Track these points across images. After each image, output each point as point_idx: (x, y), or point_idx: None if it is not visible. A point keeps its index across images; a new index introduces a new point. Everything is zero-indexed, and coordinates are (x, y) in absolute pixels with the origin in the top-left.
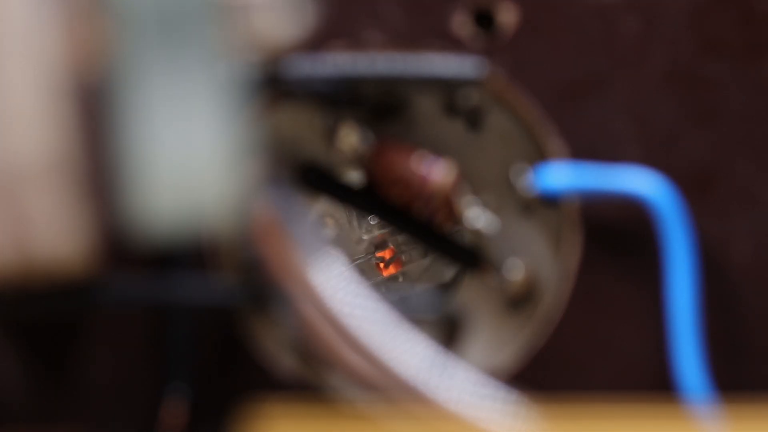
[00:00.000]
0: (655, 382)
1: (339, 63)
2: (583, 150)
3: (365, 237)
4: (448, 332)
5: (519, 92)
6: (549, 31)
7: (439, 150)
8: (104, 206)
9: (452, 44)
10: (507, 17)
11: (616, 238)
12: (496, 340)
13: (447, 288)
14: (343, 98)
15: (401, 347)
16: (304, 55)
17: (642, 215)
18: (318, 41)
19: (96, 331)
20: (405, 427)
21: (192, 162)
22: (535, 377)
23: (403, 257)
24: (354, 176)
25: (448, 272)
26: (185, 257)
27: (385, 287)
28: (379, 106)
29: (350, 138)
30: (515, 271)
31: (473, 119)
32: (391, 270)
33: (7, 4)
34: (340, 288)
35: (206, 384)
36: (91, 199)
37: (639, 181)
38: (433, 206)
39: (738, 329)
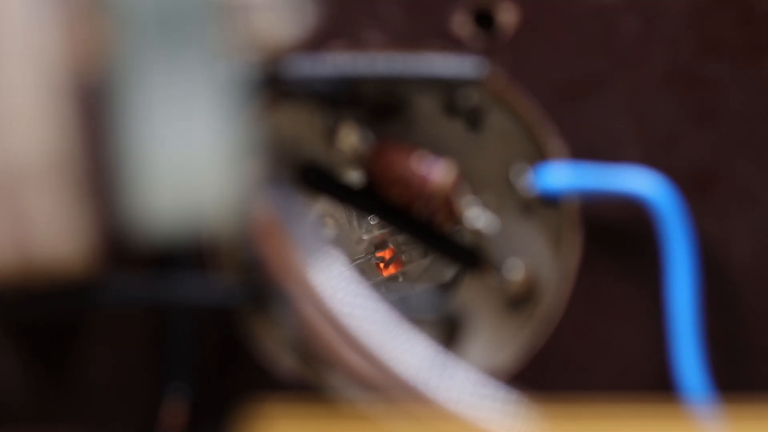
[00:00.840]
0: (655, 382)
1: (339, 63)
2: (583, 150)
3: (365, 237)
4: (448, 332)
5: (519, 92)
6: (549, 31)
7: (439, 150)
8: (104, 206)
9: (452, 44)
10: (507, 17)
11: (616, 238)
12: (496, 340)
13: (447, 288)
14: (343, 98)
15: (401, 347)
16: (304, 55)
17: (642, 215)
18: (318, 41)
19: (96, 331)
20: (405, 427)
21: (192, 162)
22: (535, 377)
23: (403, 257)
24: (354, 176)
25: (448, 272)
26: (185, 257)
27: (385, 287)
28: (379, 106)
29: (350, 138)
30: (515, 271)
31: (473, 119)
32: (391, 270)
33: (7, 4)
34: (340, 288)
35: (206, 384)
36: (91, 199)
37: (639, 181)
38: (433, 206)
39: (738, 329)
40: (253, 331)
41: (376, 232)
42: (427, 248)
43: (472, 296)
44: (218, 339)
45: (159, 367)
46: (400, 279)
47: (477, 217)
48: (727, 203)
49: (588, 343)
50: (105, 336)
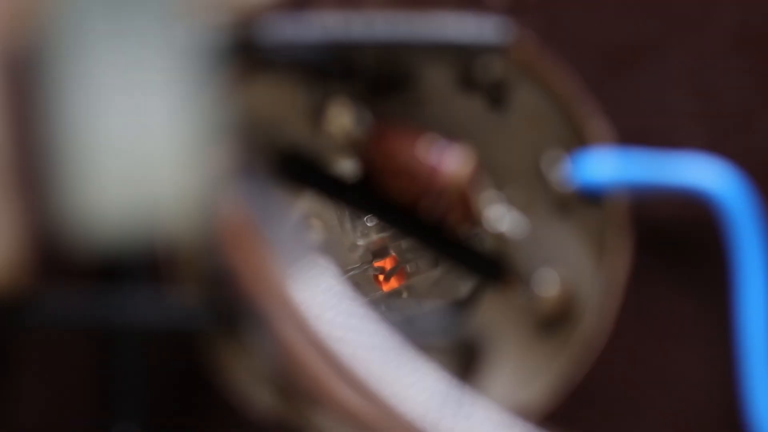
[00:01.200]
0: (722, 425)
1: (328, 25)
2: (633, 133)
3: (361, 242)
4: (465, 361)
5: (552, 61)
6: None
7: (452, 134)
8: (36, 206)
9: (470, 1)
10: None
11: (675, 243)
12: (524, 370)
13: (463, 306)
14: (334, 69)
15: (406, 380)
16: (284, 16)
17: (707, 215)
18: None
19: (25, 357)
20: None
21: (144, 150)
22: (573, 417)
23: (409, 267)
24: (346, 166)
25: (465, 286)
26: (135, 268)
27: (385, 305)
28: (379, 79)
29: (342, 119)
30: (548, 285)
31: (495, 95)
32: (394, 283)
33: None
34: (328, 306)
35: (161, 426)
36: (19, 197)
37: (703, 172)
38: (446, 204)
39: None
40: (220, 360)
41: (375, 237)
42: (438, 256)
43: (495, 316)
44: (176, 370)
45: (103, 403)
46: (405, 295)
47: (500, 217)
48: None
49: (639, 374)
50: (36, 364)
